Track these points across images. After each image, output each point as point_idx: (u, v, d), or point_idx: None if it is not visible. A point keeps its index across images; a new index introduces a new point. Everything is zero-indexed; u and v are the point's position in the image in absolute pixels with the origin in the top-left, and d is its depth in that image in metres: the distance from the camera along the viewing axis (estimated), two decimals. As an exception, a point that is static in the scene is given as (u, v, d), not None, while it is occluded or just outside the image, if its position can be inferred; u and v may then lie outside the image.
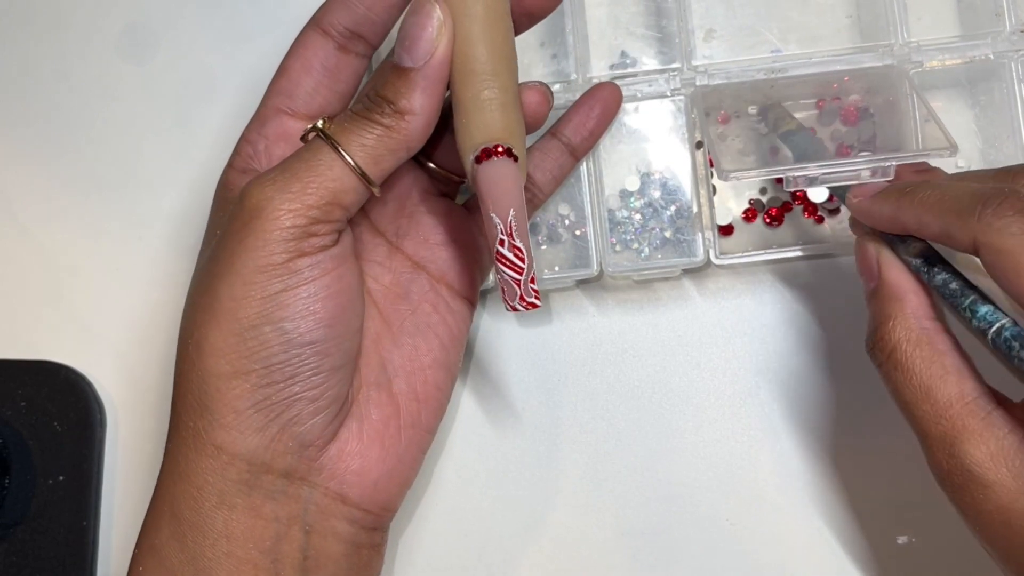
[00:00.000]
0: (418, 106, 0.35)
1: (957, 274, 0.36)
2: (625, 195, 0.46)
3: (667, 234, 0.46)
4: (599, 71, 0.47)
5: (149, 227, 0.49)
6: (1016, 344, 0.33)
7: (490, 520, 0.46)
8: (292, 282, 0.35)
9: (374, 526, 0.39)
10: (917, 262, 0.37)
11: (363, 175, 0.36)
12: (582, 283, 0.47)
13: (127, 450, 0.47)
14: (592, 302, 0.47)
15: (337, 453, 0.37)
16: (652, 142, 0.46)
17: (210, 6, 0.50)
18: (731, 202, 0.47)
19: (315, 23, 0.39)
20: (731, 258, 0.45)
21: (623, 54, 0.48)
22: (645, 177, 0.46)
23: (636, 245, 0.46)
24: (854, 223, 0.40)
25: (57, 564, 0.45)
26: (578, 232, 0.46)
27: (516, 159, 0.35)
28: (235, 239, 0.35)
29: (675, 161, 0.46)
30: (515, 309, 0.36)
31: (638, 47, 0.48)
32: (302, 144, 0.38)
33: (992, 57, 0.45)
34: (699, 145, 0.46)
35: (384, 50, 0.42)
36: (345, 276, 0.37)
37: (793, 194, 0.47)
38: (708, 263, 0.45)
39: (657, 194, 0.46)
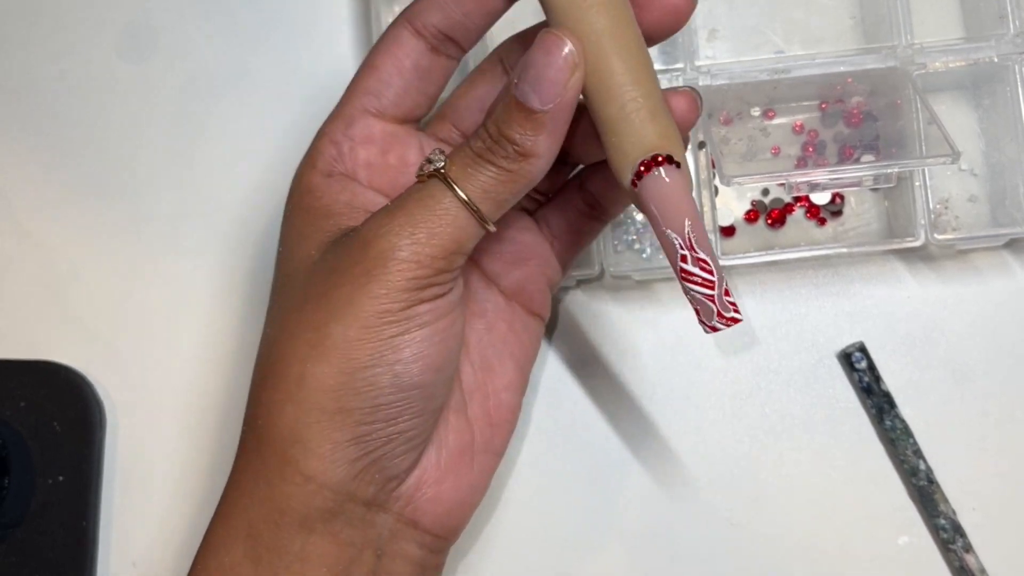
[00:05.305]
0: (544, 149, 0.33)
1: None
2: (627, 196, 0.46)
3: (669, 235, 0.46)
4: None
5: (149, 227, 0.49)
6: None
7: (488, 519, 0.46)
8: (408, 327, 0.34)
9: (440, 548, 0.39)
10: None
11: (483, 220, 0.34)
12: (583, 282, 0.47)
13: (127, 450, 0.47)
14: (593, 302, 0.47)
15: (415, 482, 0.37)
16: (654, 143, 0.46)
17: (210, 6, 0.50)
18: (733, 203, 0.47)
19: (407, 21, 0.36)
20: (732, 259, 0.45)
21: (626, 54, 0.47)
22: (647, 178, 0.46)
23: (638, 245, 0.46)
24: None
25: (57, 564, 0.45)
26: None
27: (679, 165, 0.33)
28: (355, 283, 0.34)
29: (677, 162, 0.46)
30: (715, 329, 0.33)
31: (641, 47, 0.47)
32: (416, 180, 0.35)
33: (996, 60, 0.44)
34: (701, 146, 0.46)
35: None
36: (457, 320, 0.36)
37: (795, 196, 0.47)
38: (710, 264, 0.45)
39: (659, 195, 0.46)
